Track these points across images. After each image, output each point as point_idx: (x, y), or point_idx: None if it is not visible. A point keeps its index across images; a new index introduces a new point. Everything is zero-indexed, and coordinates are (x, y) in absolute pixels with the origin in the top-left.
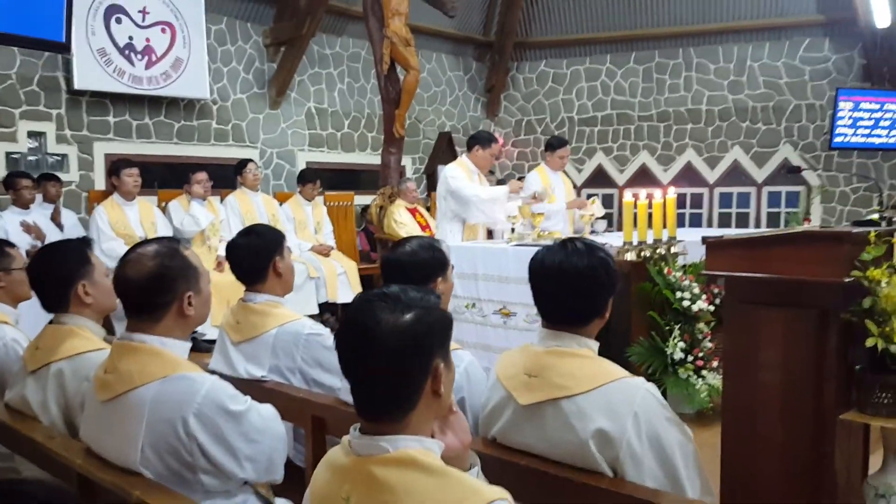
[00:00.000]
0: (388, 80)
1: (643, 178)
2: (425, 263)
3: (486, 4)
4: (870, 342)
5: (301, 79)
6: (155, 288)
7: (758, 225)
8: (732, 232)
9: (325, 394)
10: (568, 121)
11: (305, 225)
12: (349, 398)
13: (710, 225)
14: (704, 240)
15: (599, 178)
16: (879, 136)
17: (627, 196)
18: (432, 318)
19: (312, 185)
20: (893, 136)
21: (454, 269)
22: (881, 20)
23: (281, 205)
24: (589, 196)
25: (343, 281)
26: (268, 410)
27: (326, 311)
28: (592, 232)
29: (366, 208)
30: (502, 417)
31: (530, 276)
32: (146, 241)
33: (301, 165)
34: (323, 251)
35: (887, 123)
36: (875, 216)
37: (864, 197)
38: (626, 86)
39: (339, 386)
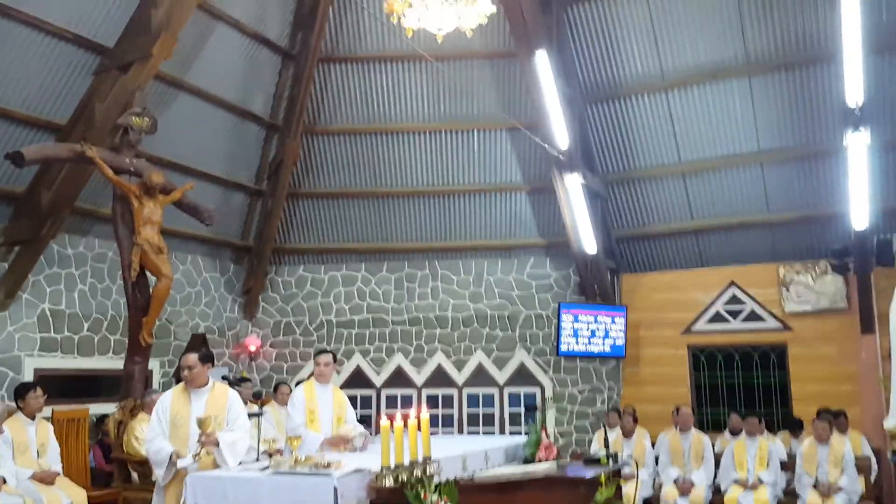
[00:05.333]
0: (136, 287)
1: (399, 379)
2: None
3: (243, 212)
4: None
5: (36, 279)
6: None
7: (502, 426)
8: (480, 438)
9: None
10: (327, 323)
11: (27, 447)
12: None
13: (460, 426)
14: (457, 482)
15: (357, 378)
16: (596, 344)
17: (383, 420)
18: None
19: (33, 393)
20: (607, 344)
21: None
22: (589, 248)
23: None
24: None
25: None
26: None
27: None
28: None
29: (102, 418)
30: None
31: None
32: None
33: (28, 374)
34: (47, 479)
35: (601, 334)
36: (602, 454)
37: (589, 397)
38: (381, 292)
39: None
